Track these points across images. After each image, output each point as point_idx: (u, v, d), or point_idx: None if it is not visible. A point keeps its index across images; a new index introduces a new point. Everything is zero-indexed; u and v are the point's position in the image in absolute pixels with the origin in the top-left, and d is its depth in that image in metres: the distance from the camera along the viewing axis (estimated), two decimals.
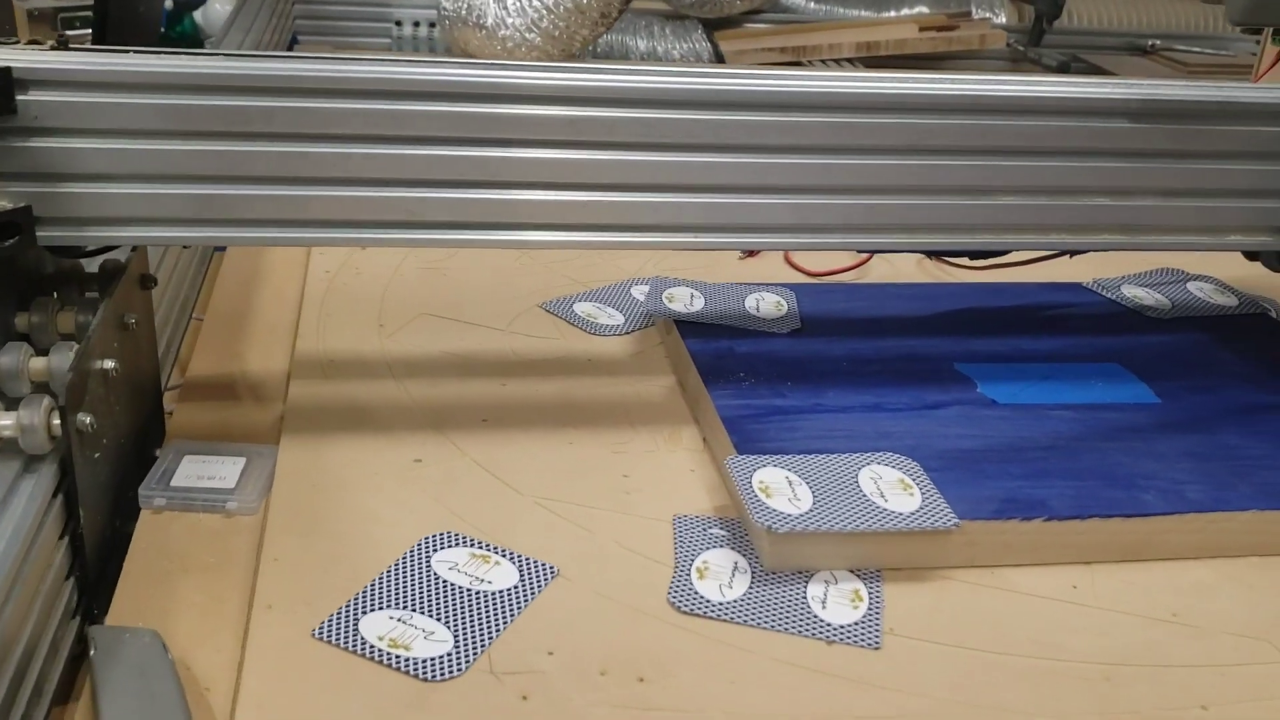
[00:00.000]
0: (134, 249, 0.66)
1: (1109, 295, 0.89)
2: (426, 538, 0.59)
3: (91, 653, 0.50)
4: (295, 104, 0.60)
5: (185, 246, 0.74)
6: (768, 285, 0.88)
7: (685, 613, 0.56)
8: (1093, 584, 0.60)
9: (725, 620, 0.56)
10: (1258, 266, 0.80)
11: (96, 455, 0.57)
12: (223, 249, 0.98)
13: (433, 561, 0.58)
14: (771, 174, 0.66)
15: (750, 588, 0.58)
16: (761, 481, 0.61)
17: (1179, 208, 0.71)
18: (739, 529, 0.62)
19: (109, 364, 0.58)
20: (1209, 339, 0.83)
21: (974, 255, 0.81)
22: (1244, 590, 0.60)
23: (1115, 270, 0.93)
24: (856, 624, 0.56)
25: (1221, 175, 0.70)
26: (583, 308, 0.87)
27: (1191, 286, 0.91)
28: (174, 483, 0.63)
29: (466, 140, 0.64)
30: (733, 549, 0.61)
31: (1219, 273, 0.94)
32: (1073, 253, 0.80)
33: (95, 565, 0.56)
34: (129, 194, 0.59)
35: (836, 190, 0.67)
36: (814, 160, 0.66)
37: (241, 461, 0.65)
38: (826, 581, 0.59)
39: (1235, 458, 0.67)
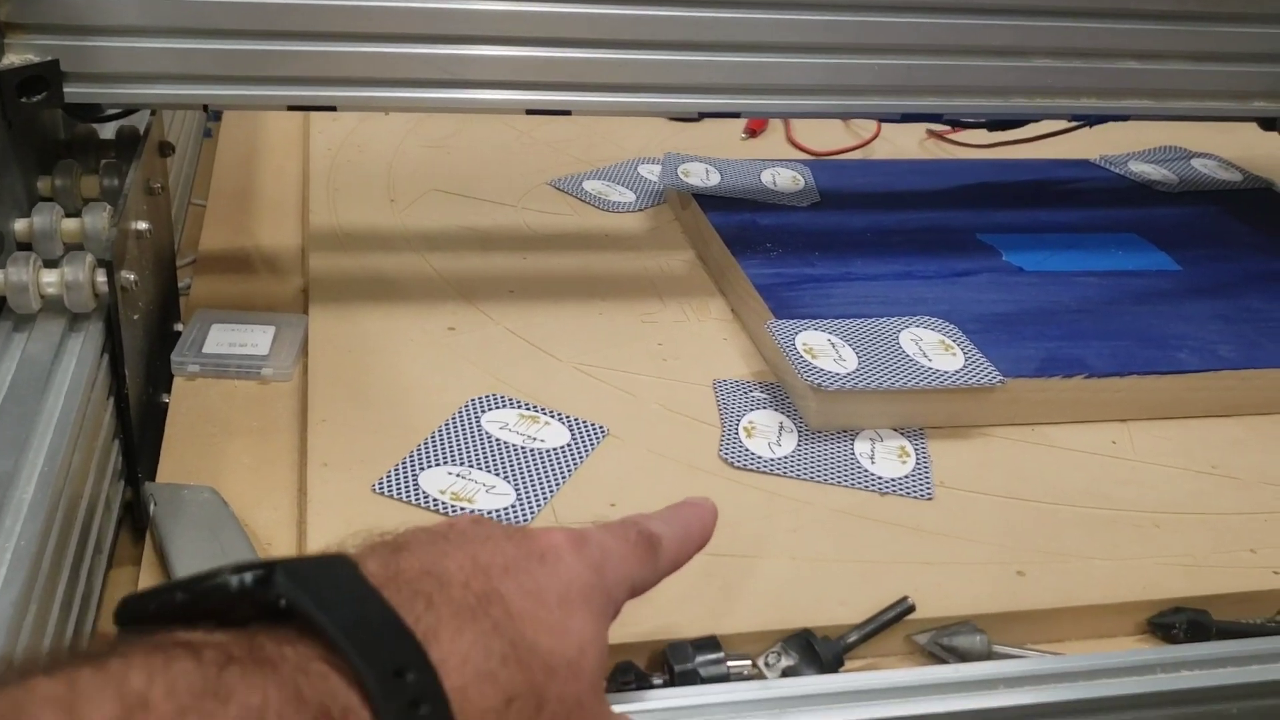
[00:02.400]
0: (152, 114, 0.64)
1: (1117, 170, 0.89)
2: (473, 399, 0.59)
3: (152, 509, 0.49)
4: None
5: (205, 108, 0.71)
6: (782, 161, 0.87)
7: (739, 468, 0.56)
8: (1131, 440, 0.61)
9: (778, 475, 0.56)
10: (1254, 147, 0.81)
11: (135, 317, 0.55)
12: (210, 134, 0.95)
13: (483, 421, 0.57)
14: (802, 30, 0.65)
15: (798, 445, 0.58)
16: (805, 343, 0.61)
17: (1206, 72, 0.71)
18: (779, 392, 0.62)
19: (143, 225, 0.56)
20: (1219, 211, 0.83)
21: (994, 125, 0.80)
22: (1276, 444, 0.61)
23: (1118, 148, 0.94)
24: (907, 477, 0.57)
25: (1249, 39, 0.70)
26: (593, 185, 0.86)
27: (1195, 163, 0.92)
28: (205, 349, 0.62)
29: None
30: (776, 410, 0.61)
31: (1218, 152, 0.95)
32: (1094, 122, 0.80)
33: (138, 429, 0.55)
34: (158, 49, 0.57)
35: (872, 50, 0.66)
36: (847, 18, 0.65)
37: (271, 330, 0.64)
38: (872, 439, 0.59)
39: (1261, 320, 0.68)
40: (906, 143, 0.99)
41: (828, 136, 0.98)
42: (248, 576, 0.27)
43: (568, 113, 0.68)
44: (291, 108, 0.64)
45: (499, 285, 0.71)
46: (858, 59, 0.66)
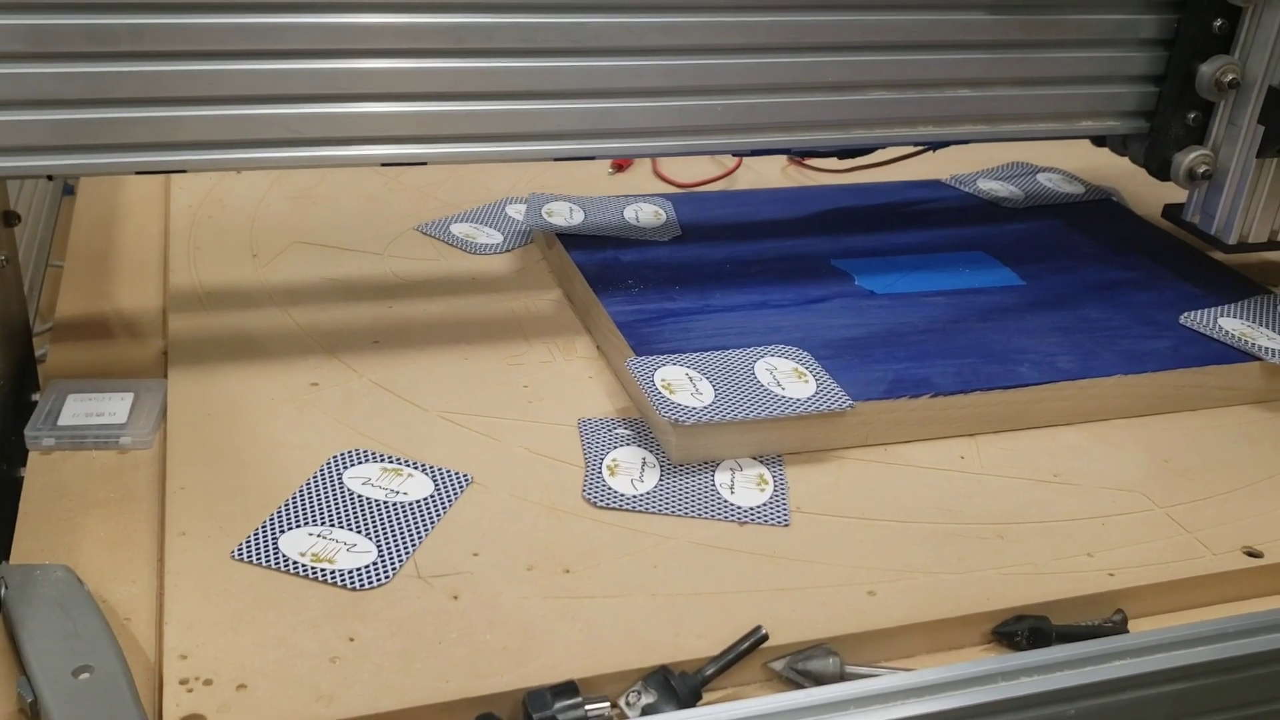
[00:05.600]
0: None
1: (966, 189, 0.93)
2: (335, 456, 0.59)
3: (3, 592, 0.48)
4: (162, 20, 0.58)
5: (50, 178, 0.70)
6: (644, 196, 0.89)
7: (601, 507, 0.57)
8: (978, 454, 0.64)
9: (640, 511, 0.57)
10: (1096, 158, 0.85)
11: None
12: (72, 192, 0.94)
13: (344, 478, 0.57)
14: (644, 76, 0.67)
15: (660, 480, 0.60)
16: (664, 379, 0.63)
17: (1034, 96, 0.75)
18: (643, 427, 0.64)
19: None
20: (1062, 224, 0.87)
21: (842, 154, 0.83)
22: (1114, 449, 0.65)
23: (970, 166, 0.98)
24: (765, 505, 0.58)
25: (1071, 63, 0.74)
26: (460, 228, 0.86)
27: (1041, 177, 0.96)
28: (61, 422, 0.61)
29: (341, 52, 0.62)
30: (639, 446, 0.62)
31: (1062, 165, 0.99)
32: (936, 146, 0.83)
33: None
34: None
35: (715, 91, 0.69)
36: (692, 61, 0.67)
37: (129, 396, 0.63)
38: (732, 469, 0.61)
39: (1098, 330, 0.71)
40: (769, 171, 1.02)
41: (693, 168, 1.00)
42: None
43: (424, 163, 0.69)
44: (140, 172, 0.64)
45: (363, 336, 0.71)
46: (699, 101, 0.68)
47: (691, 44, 0.67)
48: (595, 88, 0.67)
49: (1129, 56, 0.75)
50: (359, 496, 0.56)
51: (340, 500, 0.56)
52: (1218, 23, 0.73)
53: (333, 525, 0.54)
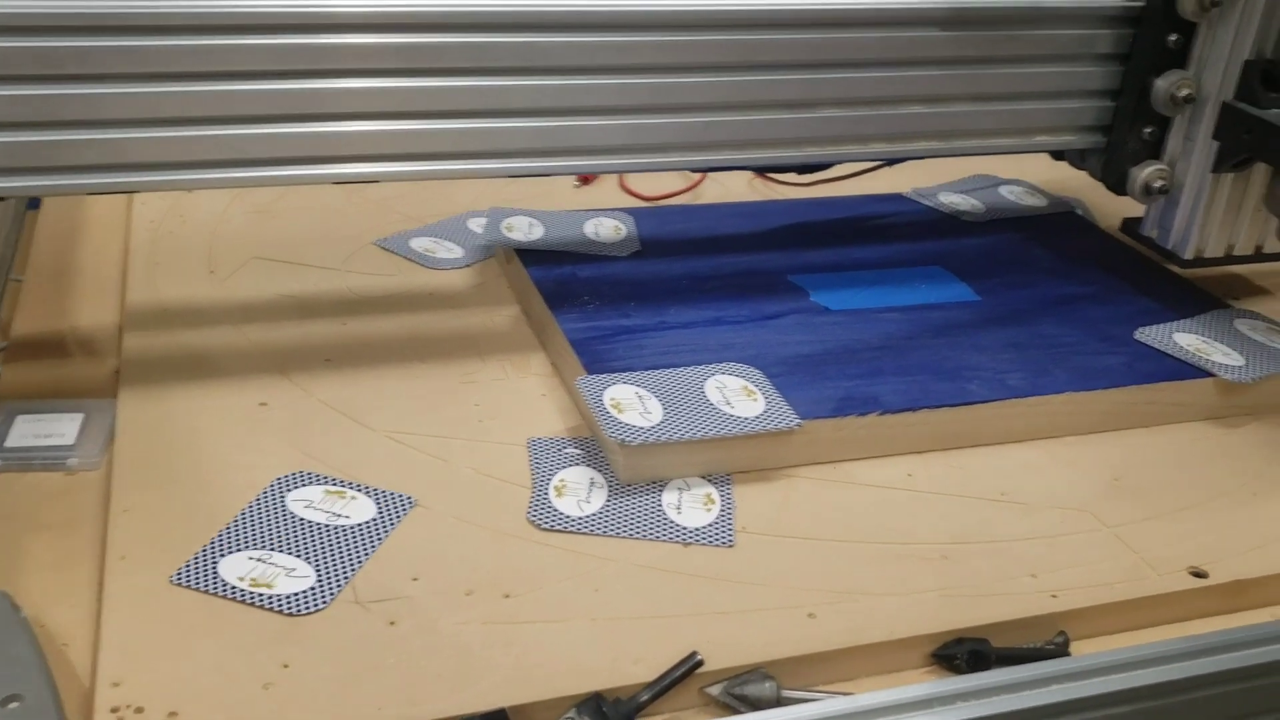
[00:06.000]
0: None
1: (927, 203, 0.93)
2: (279, 479, 0.59)
3: None
4: (110, 43, 0.58)
5: (1, 199, 0.70)
6: (605, 210, 0.89)
7: (545, 529, 0.57)
8: (927, 471, 0.64)
9: (584, 533, 0.57)
10: (1063, 169, 0.85)
11: None
12: (37, 206, 0.94)
13: (287, 501, 0.57)
14: (604, 95, 0.67)
15: (608, 501, 0.59)
16: (613, 398, 0.62)
17: (989, 112, 0.75)
18: (593, 446, 0.64)
19: None
20: (1022, 238, 0.87)
21: (802, 170, 0.83)
22: (1064, 467, 0.65)
23: (933, 179, 0.98)
24: (710, 525, 0.58)
25: (1027, 79, 0.74)
26: (419, 242, 0.86)
27: (1003, 190, 0.96)
28: (8, 444, 0.61)
29: (291, 73, 0.62)
30: (588, 466, 0.62)
31: (1028, 176, 0.99)
32: (892, 161, 0.83)
33: None
34: None
35: (669, 109, 0.69)
36: (644, 80, 0.67)
37: (79, 417, 0.63)
38: (680, 489, 0.61)
39: (1051, 345, 0.71)
40: (735, 184, 1.02)
41: (659, 181, 1.00)
42: None
43: (376, 181, 0.69)
44: (91, 193, 0.64)
45: (315, 355, 0.71)
46: (652, 119, 0.68)
47: (643, 63, 0.67)
48: (545, 106, 0.67)
49: (1084, 71, 0.75)
50: (301, 520, 0.56)
51: (282, 524, 0.56)
52: (1172, 38, 0.73)
53: (273, 549, 0.54)
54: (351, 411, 0.65)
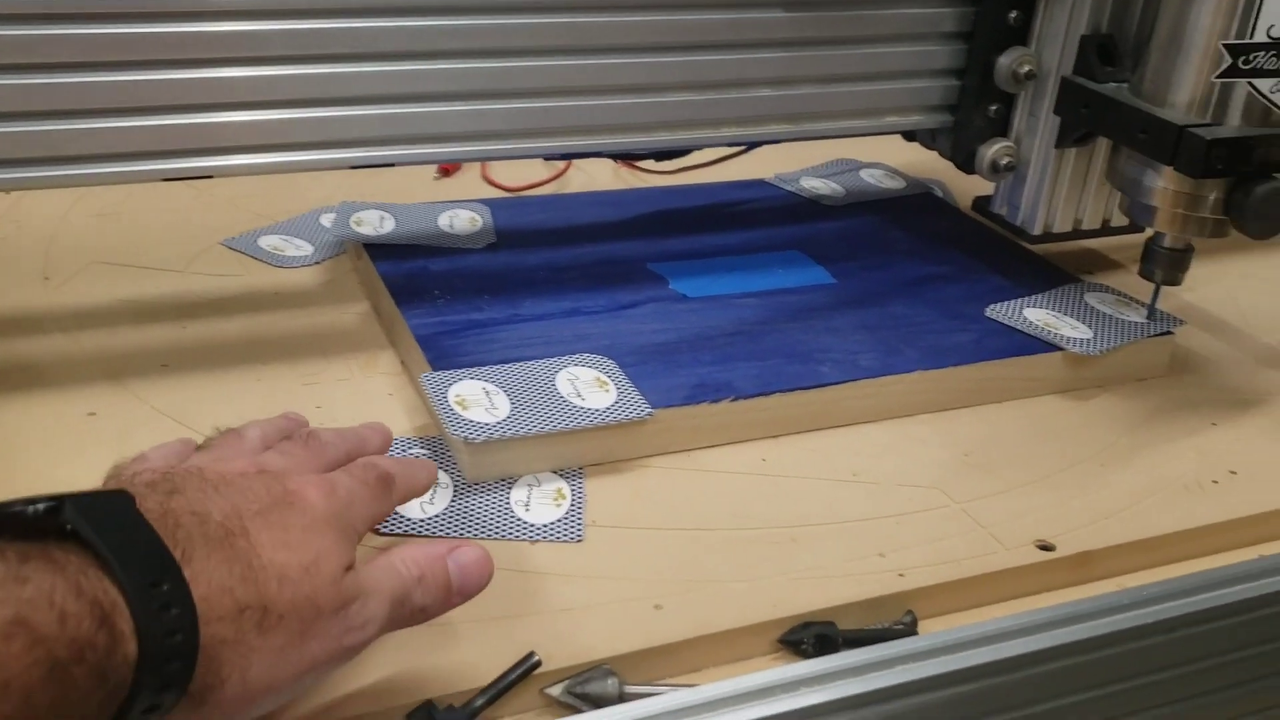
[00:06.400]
0: None
1: (789, 188, 0.93)
2: None
3: None
4: None
5: None
6: (461, 202, 0.87)
7: (385, 534, 0.55)
8: (780, 455, 0.63)
9: (428, 535, 0.55)
10: (925, 151, 0.85)
11: None
12: None
13: None
14: (439, 80, 0.66)
15: (453, 501, 0.58)
16: (458, 395, 0.61)
17: (838, 94, 0.75)
18: (441, 445, 0.62)
19: None
20: (880, 220, 0.88)
21: (658, 156, 0.82)
22: (916, 445, 0.65)
23: (797, 164, 0.98)
24: (559, 521, 0.57)
25: (873, 59, 0.74)
26: (269, 241, 0.83)
27: (864, 174, 0.96)
28: None
29: (140, 64, 0.60)
30: (436, 466, 0.60)
31: (892, 160, 1.00)
32: (751, 146, 0.83)
33: None
34: None
35: (512, 95, 0.67)
36: (482, 65, 0.66)
37: None
38: (530, 485, 0.59)
39: (903, 325, 0.71)
40: (600, 173, 1.00)
41: (522, 171, 0.98)
42: (40, 507, 0.36)
43: (209, 177, 0.66)
44: None
45: (152, 360, 0.68)
46: (497, 105, 0.67)
47: (480, 47, 0.66)
48: (385, 93, 0.65)
49: (930, 51, 0.76)
50: None
51: None
52: (1013, 14, 0.74)
53: None
54: (185, 418, 0.63)
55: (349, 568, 0.42)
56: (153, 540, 0.37)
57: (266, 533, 0.40)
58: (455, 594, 0.46)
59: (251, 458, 0.46)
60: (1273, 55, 0.62)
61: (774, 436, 0.64)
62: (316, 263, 0.81)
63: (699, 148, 0.78)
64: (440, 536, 0.55)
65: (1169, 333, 0.73)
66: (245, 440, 0.49)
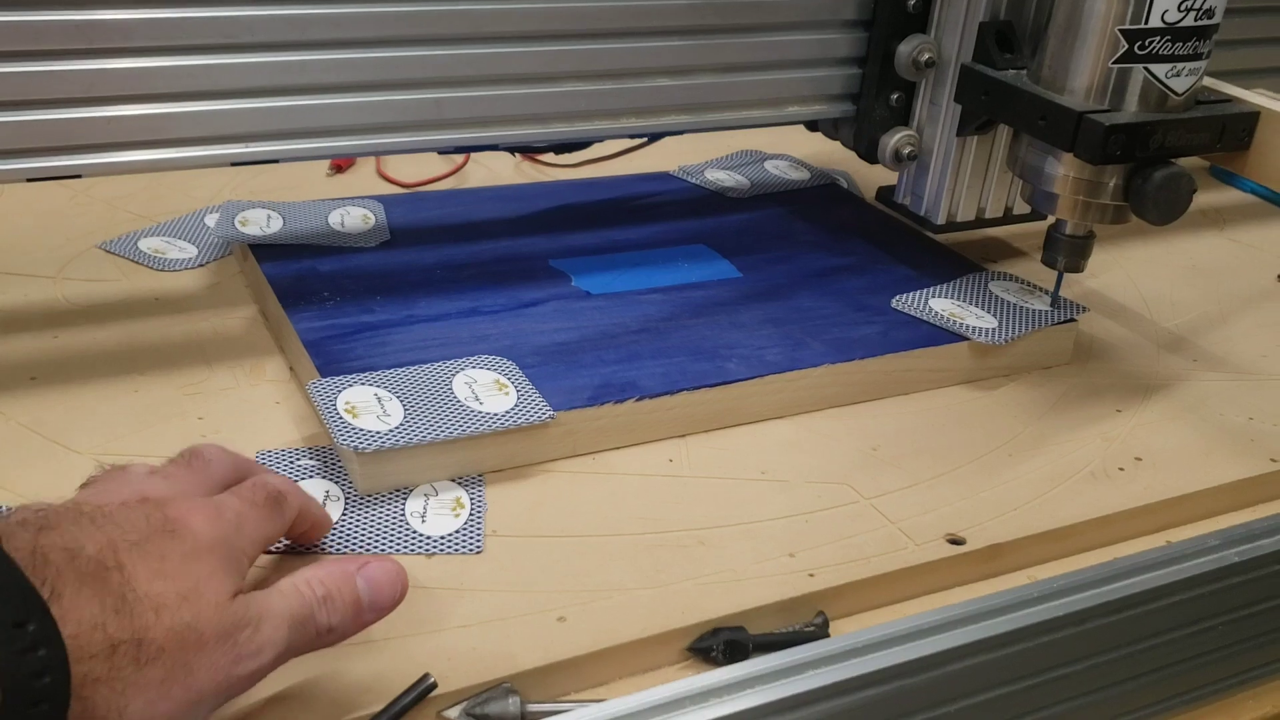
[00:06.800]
0: None
1: (694, 181, 0.91)
2: None
3: None
4: None
5: None
6: (354, 199, 0.83)
7: (271, 552, 0.52)
8: (688, 455, 0.61)
9: (316, 551, 0.52)
10: (827, 142, 0.84)
11: None
12: None
13: None
14: (318, 71, 0.63)
15: (344, 514, 0.55)
16: (348, 402, 0.58)
17: (738, 83, 0.73)
18: (331, 456, 0.59)
19: None
20: (784, 212, 0.86)
21: (557, 149, 0.80)
22: (823, 440, 0.64)
23: (701, 157, 0.96)
24: (457, 532, 0.54)
25: (772, 47, 0.73)
26: (149, 243, 0.79)
27: (768, 165, 0.95)
28: None
29: (10, 55, 0.56)
30: (325, 477, 0.57)
31: (796, 151, 0.99)
32: (653, 138, 0.81)
33: None
34: None
35: (398, 86, 0.64)
36: (363, 54, 0.63)
37: None
38: (427, 494, 0.57)
39: (809, 319, 0.70)
40: (501, 168, 0.98)
41: (420, 167, 0.95)
42: None
43: (78, 176, 0.62)
44: None
45: (18, 373, 0.64)
46: (382, 96, 0.64)
47: (367, 36, 0.63)
48: (261, 84, 0.62)
49: (830, 39, 0.74)
50: None
51: None
52: (912, 2, 0.73)
53: None
54: (55, 434, 0.59)
55: (237, 593, 0.40)
56: (16, 579, 0.35)
57: (143, 563, 0.38)
58: (367, 610, 0.44)
59: (134, 486, 0.44)
60: (1168, 40, 0.62)
61: (681, 436, 0.62)
62: (200, 265, 0.77)
63: (598, 139, 0.76)
64: (344, 554, 0.52)
65: (1073, 320, 0.73)
66: (129, 472, 0.45)
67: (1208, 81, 0.68)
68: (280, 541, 0.51)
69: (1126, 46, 0.62)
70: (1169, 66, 0.63)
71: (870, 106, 0.76)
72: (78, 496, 0.43)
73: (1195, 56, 0.63)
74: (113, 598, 0.37)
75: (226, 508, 0.43)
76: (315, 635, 0.43)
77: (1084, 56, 0.64)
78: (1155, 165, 0.64)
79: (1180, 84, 0.64)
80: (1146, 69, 0.63)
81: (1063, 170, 0.66)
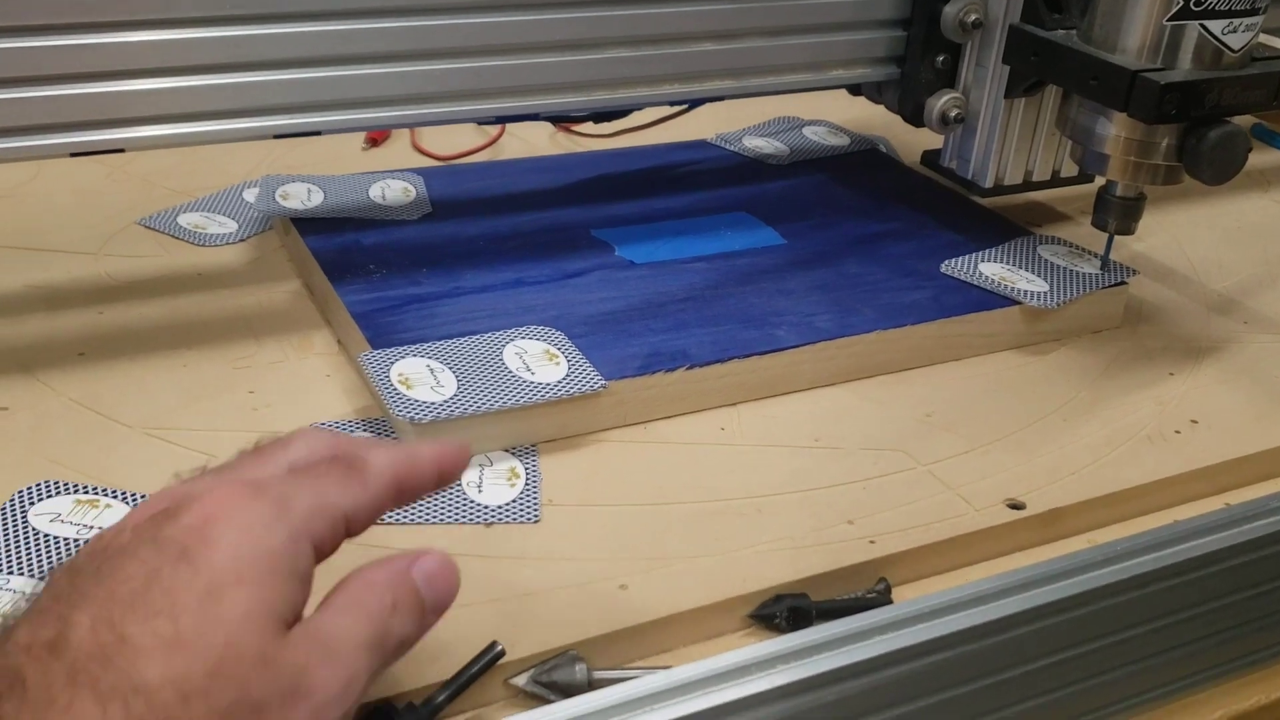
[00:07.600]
0: None
1: (732, 148, 0.90)
2: (20, 492, 0.52)
3: None
4: None
5: None
6: (393, 172, 0.83)
7: (384, 522, 0.52)
8: (739, 424, 0.61)
9: (376, 524, 0.52)
10: (866, 107, 0.83)
11: None
12: None
13: (30, 517, 0.50)
14: (362, 40, 0.62)
15: None
16: (401, 374, 0.58)
17: (781, 47, 0.72)
18: (385, 428, 0.58)
19: None
20: (826, 178, 0.86)
21: (596, 118, 0.79)
22: (876, 407, 0.63)
23: (738, 124, 0.95)
24: (513, 502, 0.54)
25: (817, 10, 0.72)
26: (189, 219, 0.79)
27: (807, 131, 0.94)
28: None
29: (40, 29, 0.56)
30: None
31: (832, 117, 0.98)
32: (692, 105, 0.80)
33: None
34: None
35: (436, 55, 0.64)
36: (406, 23, 0.63)
37: None
38: (481, 465, 0.57)
39: (858, 285, 0.69)
40: (536, 139, 0.97)
41: (455, 139, 0.94)
42: None
43: (120, 150, 0.62)
44: None
45: (67, 349, 0.63)
46: (418, 65, 0.63)
47: (403, 4, 0.62)
48: (299, 56, 0.61)
49: (874, 1, 0.73)
50: (47, 536, 0.49)
51: (23, 543, 0.49)
52: None
53: (11, 573, 0.47)
54: (106, 409, 0.59)
55: (293, 618, 0.33)
56: None
57: (149, 625, 0.31)
58: (430, 612, 0.38)
59: (172, 491, 0.36)
60: None
61: (732, 404, 0.62)
62: (241, 240, 0.77)
63: (639, 107, 0.75)
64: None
65: (1124, 283, 0.72)
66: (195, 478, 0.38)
67: (1262, 38, 0.66)
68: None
69: (1181, 3, 0.61)
70: (1225, 22, 0.62)
71: (915, 69, 0.75)
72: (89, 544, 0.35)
73: (1253, 11, 0.62)
74: (117, 701, 0.29)
75: (268, 487, 0.35)
76: (393, 653, 0.36)
77: (1137, 14, 0.63)
78: (1210, 124, 0.63)
79: (1236, 40, 0.62)
80: (1202, 25, 0.62)
81: (1114, 130, 0.65)
